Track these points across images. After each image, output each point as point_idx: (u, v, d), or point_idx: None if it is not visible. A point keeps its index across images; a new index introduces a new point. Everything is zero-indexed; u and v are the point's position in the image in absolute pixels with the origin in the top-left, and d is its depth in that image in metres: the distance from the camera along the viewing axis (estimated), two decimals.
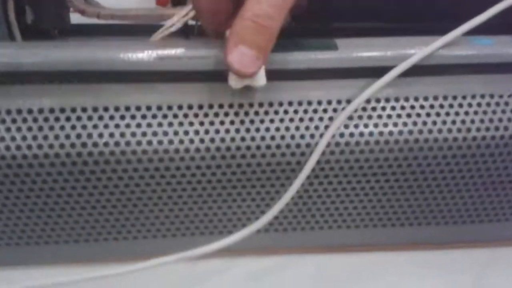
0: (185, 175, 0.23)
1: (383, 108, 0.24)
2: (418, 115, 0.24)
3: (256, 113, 0.23)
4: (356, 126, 0.23)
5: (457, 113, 0.24)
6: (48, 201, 0.23)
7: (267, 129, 0.23)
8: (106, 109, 0.22)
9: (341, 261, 0.27)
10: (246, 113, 0.23)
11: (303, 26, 0.28)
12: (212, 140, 0.23)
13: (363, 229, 0.26)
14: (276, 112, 0.23)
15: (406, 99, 0.24)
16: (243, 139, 0.23)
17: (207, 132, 0.23)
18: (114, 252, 0.26)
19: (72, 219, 0.24)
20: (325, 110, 0.23)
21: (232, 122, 0.23)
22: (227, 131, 0.23)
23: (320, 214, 0.26)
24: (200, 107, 0.23)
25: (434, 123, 0.24)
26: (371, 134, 0.23)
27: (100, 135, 0.22)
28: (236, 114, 0.23)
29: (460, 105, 0.24)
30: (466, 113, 0.24)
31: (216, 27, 0.23)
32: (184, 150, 0.22)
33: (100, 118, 0.22)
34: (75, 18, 0.40)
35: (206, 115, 0.23)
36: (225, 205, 0.25)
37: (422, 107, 0.24)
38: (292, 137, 0.23)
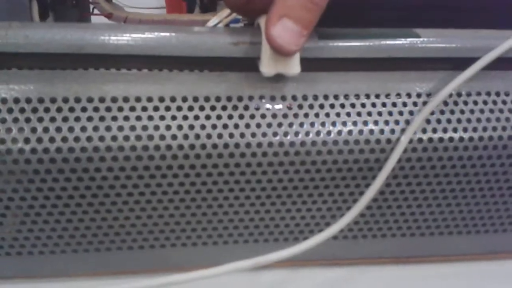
0: (255, 172, 0.21)
1: (465, 103, 0.22)
2: (501, 111, 0.22)
3: (332, 105, 0.21)
4: (438, 121, 0.22)
5: None
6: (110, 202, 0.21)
7: (344, 123, 0.21)
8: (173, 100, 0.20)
9: (413, 273, 0.25)
10: (332, 105, 0.21)
11: None
12: (277, 135, 0.21)
13: (438, 237, 0.24)
14: (353, 105, 0.21)
15: (488, 94, 0.22)
16: (318, 133, 0.21)
17: (281, 125, 0.21)
18: (172, 260, 0.23)
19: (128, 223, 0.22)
20: (404, 104, 0.22)
21: (317, 115, 0.21)
22: (301, 124, 0.21)
23: (394, 220, 0.23)
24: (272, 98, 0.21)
25: None
26: (455, 130, 0.22)
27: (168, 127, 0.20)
28: (311, 107, 0.21)
29: None
30: None
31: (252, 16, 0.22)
32: (251, 144, 0.21)
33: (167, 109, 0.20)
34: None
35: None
36: (294, 207, 0.22)
37: (504, 102, 0.22)
38: (371, 132, 0.21)
